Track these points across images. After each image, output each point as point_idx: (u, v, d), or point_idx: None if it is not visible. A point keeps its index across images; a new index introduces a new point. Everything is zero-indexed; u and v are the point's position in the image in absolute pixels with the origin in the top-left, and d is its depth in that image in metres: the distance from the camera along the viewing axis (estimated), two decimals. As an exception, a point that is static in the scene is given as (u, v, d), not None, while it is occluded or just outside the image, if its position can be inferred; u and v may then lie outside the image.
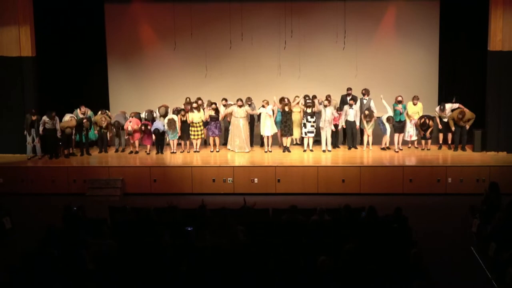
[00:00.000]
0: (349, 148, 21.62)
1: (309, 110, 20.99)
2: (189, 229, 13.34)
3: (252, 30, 25.33)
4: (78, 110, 21.59)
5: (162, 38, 25.83)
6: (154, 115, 21.85)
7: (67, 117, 21.22)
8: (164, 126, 21.09)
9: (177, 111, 21.44)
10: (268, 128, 21.14)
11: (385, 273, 11.61)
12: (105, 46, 26.10)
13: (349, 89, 22.02)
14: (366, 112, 21.20)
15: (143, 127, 21.00)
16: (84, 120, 21.18)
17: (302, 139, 21.70)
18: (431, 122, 20.95)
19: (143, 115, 21.87)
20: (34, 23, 21.43)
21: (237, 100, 21.15)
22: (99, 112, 21.55)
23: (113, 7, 25.93)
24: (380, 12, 25.63)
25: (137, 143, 21.48)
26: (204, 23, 25.54)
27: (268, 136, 21.30)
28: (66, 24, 24.37)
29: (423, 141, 21.52)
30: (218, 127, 21.44)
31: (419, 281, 10.84)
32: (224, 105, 21.84)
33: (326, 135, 21.21)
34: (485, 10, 21.03)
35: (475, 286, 13.56)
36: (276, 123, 21.32)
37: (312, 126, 21.17)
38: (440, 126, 21.40)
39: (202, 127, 21.31)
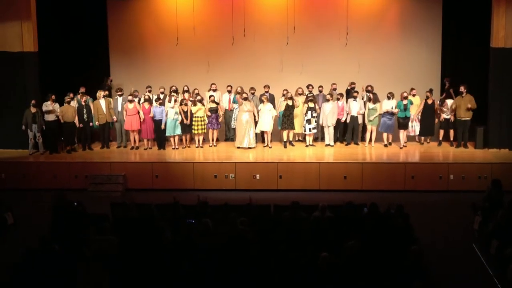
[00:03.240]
0: (347, 144, 21.62)
1: (311, 105, 21.03)
2: (191, 221, 13.38)
3: (254, 26, 25.27)
4: (79, 95, 21.59)
5: (165, 33, 25.78)
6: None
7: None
8: (162, 113, 21.18)
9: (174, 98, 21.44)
10: (267, 124, 21.19)
11: (386, 270, 11.63)
12: (107, 41, 26.08)
13: (352, 83, 22.12)
14: (371, 95, 21.21)
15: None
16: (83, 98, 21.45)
17: (303, 135, 21.73)
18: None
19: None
20: (37, 18, 21.44)
21: (242, 94, 21.24)
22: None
23: (116, 3, 25.89)
24: (382, 9, 25.56)
25: (137, 138, 21.52)
26: (206, 19, 25.50)
27: (267, 132, 21.34)
28: (68, 20, 24.36)
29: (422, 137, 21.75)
30: (217, 120, 21.52)
31: (419, 281, 10.86)
32: (214, 90, 22.31)
33: (328, 130, 21.24)
34: (487, 7, 21.01)
35: (477, 283, 13.56)
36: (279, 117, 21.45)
37: (316, 121, 21.24)
38: (439, 115, 21.58)
39: (205, 122, 21.36)
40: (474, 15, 23.00)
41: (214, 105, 21.47)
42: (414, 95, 21.45)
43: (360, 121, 21.66)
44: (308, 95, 21.55)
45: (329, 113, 21.05)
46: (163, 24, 25.83)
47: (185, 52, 25.71)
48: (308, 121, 21.21)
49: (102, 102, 21.63)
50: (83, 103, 21.32)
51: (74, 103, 21.29)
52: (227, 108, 22.18)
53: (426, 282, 11.07)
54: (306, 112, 21.18)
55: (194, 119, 21.27)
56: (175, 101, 21.22)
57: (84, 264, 11.72)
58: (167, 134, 21.41)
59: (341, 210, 14.81)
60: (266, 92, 21.87)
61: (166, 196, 16.12)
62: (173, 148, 21.54)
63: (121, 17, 25.96)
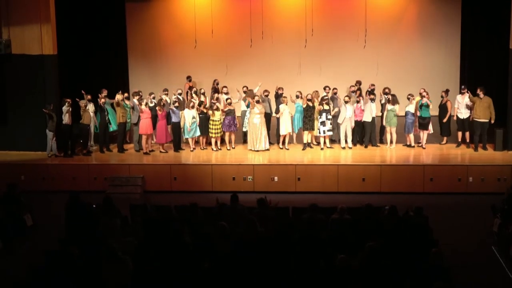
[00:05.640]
0: (366, 146, 21.55)
1: (326, 107, 20.99)
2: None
3: (272, 29, 25.34)
4: (99, 99, 21.62)
5: (183, 36, 25.90)
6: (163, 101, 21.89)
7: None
8: (178, 116, 21.27)
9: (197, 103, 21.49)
10: (289, 126, 21.27)
11: (405, 272, 11.57)
12: (126, 44, 26.23)
13: (372, 85, 22.11)
14: (390, 97, 21.17)
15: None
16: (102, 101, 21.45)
17: (317, 137, 21.63)
18: None
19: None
20: (56, 21, 21.54)
21: (254, 97, 21.29)
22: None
23: (134, 6, 26.05)
24: (400, 11, 25.57)
25: (149, 142, 21.49)
26: (224, 22, 25.61)
27: (285, 134, 21.40)
28: (87, 23, 24.49)
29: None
30: (234, 123, 21.55)
31: (438, 282, 10.80)
32: (226, 93, 22.27)
33: (346, 131, 21.21)
34: (507, 8, 20.87)
35: (496, 286, 13.50)
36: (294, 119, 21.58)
37: (331, 124, 21.19)
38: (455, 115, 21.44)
39: (221, 125, 21.36)
40: (493, 16, 22.93)
41: (231, 108, 21.45)
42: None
43: (377, 122, 21.62)
44: (324, 97, 21.48)
45: (350, 116, 21.03)
46: (181, 27, 25.96)
47: (203, 55, 25.82)
48: (323, 123, 21.12)
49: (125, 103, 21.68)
50: (103, 106, 21.37)
51: (90, 107, 21.34)
52: (244, 109, 22.14)
53: (446, 284, 11.00)
54: (321, 114, 21.09)
55: (211, 122, 21.26)
56: (192, 106, 21.21)
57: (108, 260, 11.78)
58: (186, 136, 21.44)
59: (360, 212, 14.75)
60: (281, 94, 21.90)
61: (184, 198, 16.12)
62: (191, 150, 21.57)
63: (140, 20, 26.13)
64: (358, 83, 22.75)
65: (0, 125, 21.91)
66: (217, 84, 23.71)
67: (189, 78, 24.32)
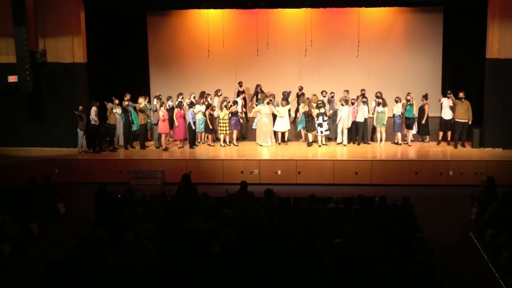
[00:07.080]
0: (358, 144, 21.54)
1: (322, 110, 21.00)
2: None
3: (276, 40, 25.38)
4: (123, 102, 21.64)
5: (197, 46, 25.90)
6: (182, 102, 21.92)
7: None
8: (193, 116, 21.33)
9: (206, 106, 21.55)
10: (283, 124, 21.53)
11: (393, 255, 11.60)
12: (147, 53, 26.27)
13: (362, 90, 22.07)
14: (380, 100, 21.18)
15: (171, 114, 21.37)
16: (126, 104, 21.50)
17: (315, 136, 21.63)
18: None
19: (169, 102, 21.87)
20: (86, 33, 21.63)
21: (264, 99, 21.40)
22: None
23: (155, 19, 26.08)
24: (389, 24, 25.55)
25: (168, 140, 21.57)
26: (234, 33, 25.63)
27: (280, 132, 21.69)
28: (113, 34, 24.56)
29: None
30: (238, 122, 21.72)
31: (421, 255, 10.88)
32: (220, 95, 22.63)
33: (343, 130, 21.24)
34: (483, 22, 20.90)
35: (474, 267, 13.53)
36: (301, 121, 21.67)
37: (328, 124, 21.21)
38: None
39: (227, 123, 21.41)
40: (472, 28, 22.93)
41: (236, 109, 21.58)
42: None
43: (369, 123, 21.63)
44: (318, 102, 21.47)
45: (346, 116, 21.03)
46: (196, 38, 25.98)
47: (215, 63, 25.84)
48: (320, 125, 21.13)
49: (146, 106, 21.72)
50: (127, 108, 21.42)
51: (116, 109, 21.39)
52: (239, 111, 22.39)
53: (429, 265, 11.04)
54: (317, 117, 21.10)
55: (220, 121, 21.33)
56: (204, 104, 21.42)
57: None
58: (197, 130, 21.61)
59: (353, 202, 14.77)
60: (288, 95, 22.06)
61: (198, 189, 16.12)
62: (197, 142, 21.83)
63: (160, 32, 26.16)
64: (301, 87, 23.29)
65: (36, 124, 21.97)
66: (260, 89, 23.77)
67: (240, 84, 24.33)
